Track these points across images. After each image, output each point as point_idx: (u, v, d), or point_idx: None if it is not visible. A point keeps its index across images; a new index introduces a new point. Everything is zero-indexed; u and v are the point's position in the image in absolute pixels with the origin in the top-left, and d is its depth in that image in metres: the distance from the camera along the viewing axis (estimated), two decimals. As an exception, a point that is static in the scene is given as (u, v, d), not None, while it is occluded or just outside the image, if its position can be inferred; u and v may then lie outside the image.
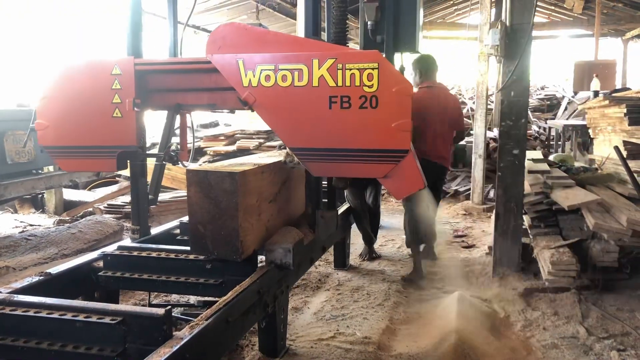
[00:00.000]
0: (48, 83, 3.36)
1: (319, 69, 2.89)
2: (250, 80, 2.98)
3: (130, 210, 6.54)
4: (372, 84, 2.84)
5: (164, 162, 3.60)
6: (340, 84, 2.88)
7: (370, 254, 5.47)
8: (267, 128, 9.37)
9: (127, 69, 3.24)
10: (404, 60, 4.39)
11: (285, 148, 3.35)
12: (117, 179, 8.77)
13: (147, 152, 3.60)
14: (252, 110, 3.06)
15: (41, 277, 2.85)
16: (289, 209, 3.60)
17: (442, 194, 6.82)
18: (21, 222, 6.60)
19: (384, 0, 3.74)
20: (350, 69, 2.86)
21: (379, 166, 2.94)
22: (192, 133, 3.76)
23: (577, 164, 6.44)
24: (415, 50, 3.79)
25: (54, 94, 3.36)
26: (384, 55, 3.20)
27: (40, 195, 7.31)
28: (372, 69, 2.83)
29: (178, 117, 3.60)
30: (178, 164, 3.60)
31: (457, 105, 5.13)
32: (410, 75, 4.97)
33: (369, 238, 5.43)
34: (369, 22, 3.75)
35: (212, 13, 10.43)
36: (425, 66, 4.95)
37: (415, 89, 4.87)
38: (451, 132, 4.98)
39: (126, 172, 8.67)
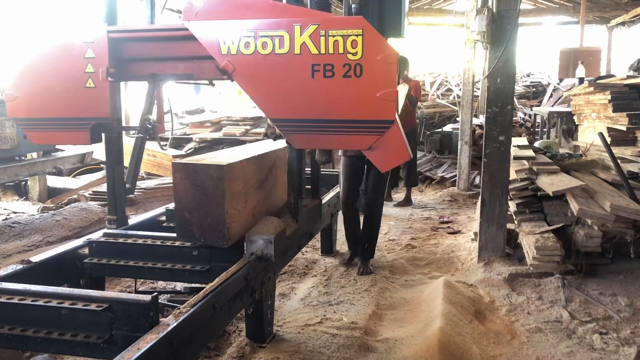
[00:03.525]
0: (18, 52, 3.21)
1: (300, 35, 2.76)
2: (229, 48, 2.86)
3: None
4: (357, 52, 2.74)
5: (141, 135, 3.44)
6: (323, 51, 2.76)
7: (349, 260, 4.78)
8: (254, 115, 9.33)
9: (100, 36, 3.09)
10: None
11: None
12: (101, 165, 8.68)
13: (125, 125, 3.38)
14: (232, 80, 2.93)
15: (25, 265, 2.82)
16: (276, 195, 3.59)
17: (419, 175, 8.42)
18: (4, 209, 6.53)
19: None
20: (334, 36, 2.74)
21: (363, 137, 2.85)
22: (170, 108, 3.60)
23: (562, 151, 6.50)
24: (401, 35, 3.60)
25: (25, 63, 3.21)
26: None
27: (23, 182, 7.23)
28: (357, 35, 2.72)
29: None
30: (154, 137, 3.41)
31: (412, 84, 6.87)
32: None
33: (352, 242, 4.76)
34: (353, 5, 3.55)
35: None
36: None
37: None
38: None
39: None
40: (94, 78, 3.11)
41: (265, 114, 3.03)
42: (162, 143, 3.51)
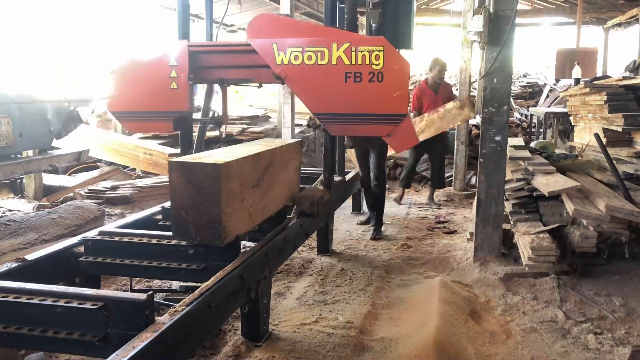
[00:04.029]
0: (117, 59, 4.05)
1: (337, 50, 3.66)
2: (282, 59, 3.75)
3: (111, 195, 6.54)
4: (379, 63, 3.61)
5: (209, 125, 4.45)
6: (353, 62, 3.65)
7: (367, 221, 6.20)
8: (250, 114, 9.36)
9: (182, 49, 3.96)
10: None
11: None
12: (97, 164, 8.66)
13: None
14: (283, 84, 3.89)
15: (20, 263, 2.81)
16: (273, 194, 3.59)
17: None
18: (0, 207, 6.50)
19: (385, 7, 4.54)
20: (362, 51, 3.62)
21: (383, 127, 3.75)
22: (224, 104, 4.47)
23: (557, 151, 6.51)
24: (410, 48, 4.57)
25: (122, 68, 4.04)
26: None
27: (19, 180, 7.19)
28: (379, 51, 3.60)
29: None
30: (222, 127, 4.46)
31: (449, 90, 7.56)
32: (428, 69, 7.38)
33: (370, 208, 6.12)
34: (373, 25, 4.52)
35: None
36: (435, 67, 7.27)
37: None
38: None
39: (108, 158, 8.58)
40: (176, 81, 3.97)
41: (309, 109, 3.97)
42: (221, 131, 4.51)
